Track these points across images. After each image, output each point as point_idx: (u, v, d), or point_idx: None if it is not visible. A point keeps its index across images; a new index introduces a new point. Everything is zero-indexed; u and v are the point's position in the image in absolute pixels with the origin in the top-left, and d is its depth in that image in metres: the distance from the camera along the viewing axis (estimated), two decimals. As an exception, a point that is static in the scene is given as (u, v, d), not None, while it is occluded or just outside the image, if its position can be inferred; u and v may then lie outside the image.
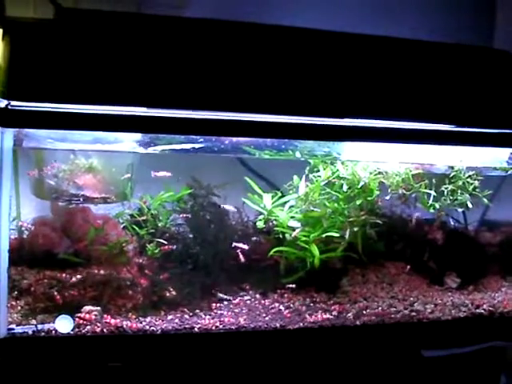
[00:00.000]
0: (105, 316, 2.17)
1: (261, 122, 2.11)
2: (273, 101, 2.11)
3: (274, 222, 2.55)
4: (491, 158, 2.59)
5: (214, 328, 2.22)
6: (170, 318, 2.25)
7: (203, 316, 2.29)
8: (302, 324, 2.31)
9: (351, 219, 2.55)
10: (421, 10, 3.15)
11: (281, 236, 2.52)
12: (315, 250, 2.47)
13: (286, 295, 2.47)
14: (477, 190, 2.67)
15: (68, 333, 2.10)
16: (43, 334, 2.08)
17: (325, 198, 2.57)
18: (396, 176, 2.62)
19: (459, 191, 2.66)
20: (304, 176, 2.58)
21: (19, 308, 2.17)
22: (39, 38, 1.96)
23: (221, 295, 2.41)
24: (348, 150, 2.45)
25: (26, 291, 2.22)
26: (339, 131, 2.19)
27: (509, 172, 2.66)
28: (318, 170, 2.58)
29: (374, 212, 2.62)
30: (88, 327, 2.12)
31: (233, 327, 2.24)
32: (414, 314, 2.45)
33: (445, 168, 2.67)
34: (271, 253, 2.47)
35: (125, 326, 2.15)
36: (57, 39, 1.98)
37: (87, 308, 2.16)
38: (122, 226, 2.45)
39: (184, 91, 2.04)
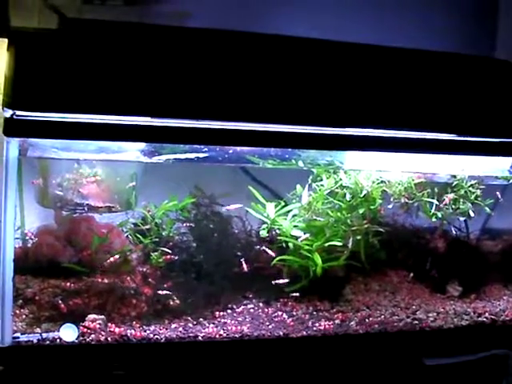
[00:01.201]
0: (109, 325, 2.18)
1: (264, 131, 2.12)
2: (276, 110, 2.13)
3: (277, 231, 2.56)
4: (493, 167, 2.60)
5: (217, 336, 2.23)
6: (173, 326, 2.25)
7: (207, 324, 2.29)
8: (305, 332, 2.31)
9: (354, 228, 2.56)
10: (423, 14, 3.15)
11: (284, 245, 2.53)
12: (318, 259, 2.47)
13: (289, 304, 2.48)
14: (479, 198, 2.68)
15: (72, 341, 2.10)
16: (48, 342, 2.09)
17: (328, 207, 2.57)
18: (398, 185, 2.63)
19: (461, 200, 2.66)
20: (307, 185, 2.59)
21: (24, 316, 2.18)
22: (43, 48, 1.98)
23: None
24: (351, 159, 2.46)
25: (31, 300, 2.23)
26: (342, 140, 2.20)
27: (510, 181, 2.67)
28: (321, 179, 2.59)
29: (376, 221, 2.62)
30: (92, 336, 2.13)
31: (236, 335, 2.25)
32: (416, 322, 2.46)
33: (447, 177, 2.68)
34: (274, 261, 2.47)
35: (129, 335, 2.16)
36: (61, 49, 2.00)
37: (91, 317, 2.17)
38: (125, 235, 2.46)
39: (188, 101, 2.05)
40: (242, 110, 2.10)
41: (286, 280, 2.45)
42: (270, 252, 2.47)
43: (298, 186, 2.59)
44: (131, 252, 2.37)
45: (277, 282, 2.44)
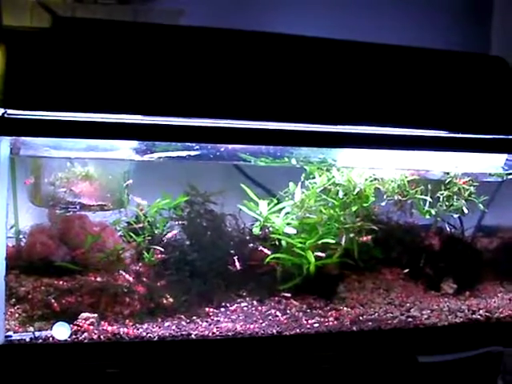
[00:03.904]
0: (102, 323, 2.18)
1: (256, 129, 2.11)
2: (268, 108, 2.12)
3: (270, 228, 2.55)
4: (487, 163, 2.60)
5: (210, 334, 2.23)
6: (166, 324, 2.25)
7: (200, 322, 2.29)
8: (298, 330, 2.31)
9: (347, 226, 2.56)
10: (416, 12, 3.16)
11: (277, 243, 2.53)
12: (311, 257, 2.47)
13: (283, 301, 2.47)
14: (472, 195, 2.67)
15: (65, 340, 2.10)
16: (40, 341, 2.09)
17: (320, 205, 2.57)
18: (392, 182, 2.62)
19: (455, 197, 2.66)
20: (300, 183, 2.59)
21: (17, 315, 2.18)
22: (35, 46, 1.98)
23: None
24: (343, 156, 2.45)
25: (24, 298, 2.23)
26: (335, 138, 2.20)
27: (504, 178, 2.67)
28: (314, 177, 2.59)
29: (369, 218, 2.62)
30: (85, 334, 2.12)
31: (230, 333, 2.25)
32: (410, 319, 2.45)
33: (440, 174, 2.67)
34: (267, 259, 2.47)
35: (122, 333, 2.15)
36: (53, 48, 1.99)
37: (84, 315, 2.17)
38: (118, 234, 2.46)
39: (180, 99, 2.05)
40: (234, 108, 2.10)
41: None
42: (266, 250, 2.47)
43: (291, 184, 2.59)
44: (124, 250, 2.37)
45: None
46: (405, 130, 2.26)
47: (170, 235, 2.45)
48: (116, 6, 2.64)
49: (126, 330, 2.17)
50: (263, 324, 2.32)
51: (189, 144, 2.17)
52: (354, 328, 2.37)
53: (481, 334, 2.53)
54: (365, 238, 2.56)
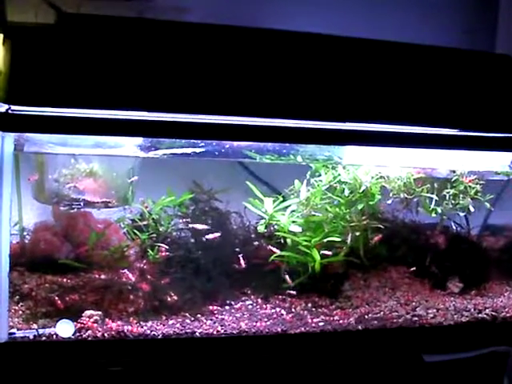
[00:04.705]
0: (106, 320, 2.17)
1: (262, 126, 2.11)
2: (274, 105, 2.12)
3: (275, 226, 2.54)
4: (493, 162, 2.59)
5: (215, 333, 2.22)
6: (171, 322, 2.24)
7: (204, 320, 2.28)
8: (303, 329, 2.30)
9: (353, 224, 2.55)
10: (422, 8, 3.15)
11: (282, 241, 2.52)
12: (316, 255, 2.46)
13: (287, 300, 2.46)
14: (479, 194, 2.66)
15: (69, 337, 2.09)
16: (44, 338, 2.08)
17: (326, 203, 2.56)
18: (398, 180, 2.61)
19: (461, 195, 2.65)
20: (305, 180, 2.58)
21: (20, 312, 2.17)
22: (40, 42, 1.97)
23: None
24: (349, 154, 2.44)
25: (27, 296, 2.22)
26: (341, 135, 2.19)
27: (511, 176, 2.66)
28: (320, 175, 2.58)
29: (375, 216, 2.61)
30: (89, 332, 2.12)
31: (234, 332, 2.24)
32: (416, 318, 2.44)
33: (447, 172, 2.66)
34: (272, 257, 2.46)
35: (126, 331, 2.15)
36: (58, 44, 1.98)
37: (88, 312, 2.16)
38: (123, 231, 2.46)
39: (185, 95, 2.04)
40: (240, 105, 2.09)
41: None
42: (273, 249, 2.46)
43: (297, 182, 2.58)
44: (128, 248, 2.36)
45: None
46: (411, 127, 2.25)
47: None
48: (121, 2, 2.63)
49: (129, 327, 2.16)
50: (268, 322, 2.31)
51: (194, 141, 2.16)
52: (360, 327, 2.36)
53: (487, 333, 2.52)
54: (376, 238, 2.56)
